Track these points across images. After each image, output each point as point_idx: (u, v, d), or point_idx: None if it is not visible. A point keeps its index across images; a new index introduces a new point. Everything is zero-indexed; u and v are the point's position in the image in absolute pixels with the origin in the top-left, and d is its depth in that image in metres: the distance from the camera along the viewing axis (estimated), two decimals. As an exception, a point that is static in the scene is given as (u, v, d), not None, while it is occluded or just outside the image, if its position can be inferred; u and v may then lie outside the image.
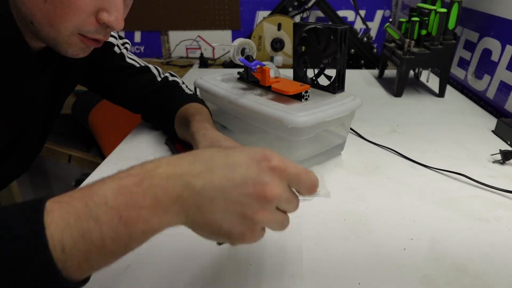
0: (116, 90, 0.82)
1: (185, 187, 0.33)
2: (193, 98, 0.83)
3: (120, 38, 0.81)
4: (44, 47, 0.58)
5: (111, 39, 0.77)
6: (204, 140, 0.66)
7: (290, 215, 0.42)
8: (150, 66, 0.84)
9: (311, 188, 0.38)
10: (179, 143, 0.81)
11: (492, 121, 0.96)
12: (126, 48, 0.81)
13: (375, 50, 1.67)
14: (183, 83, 0.88)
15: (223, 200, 0.33)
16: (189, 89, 0.88)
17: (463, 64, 1.24)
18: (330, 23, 1.66)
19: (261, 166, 0.34)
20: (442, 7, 1.11)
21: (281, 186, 0.35)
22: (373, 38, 1.81)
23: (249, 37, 1.67)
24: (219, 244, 0.47)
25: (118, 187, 0.33)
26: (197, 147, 0.66)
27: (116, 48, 0.78)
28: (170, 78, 0.86)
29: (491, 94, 1.08)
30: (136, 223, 0.32)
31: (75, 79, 0.73)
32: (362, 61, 1.66)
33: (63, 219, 0.31)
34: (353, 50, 1.64)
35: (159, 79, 0.84)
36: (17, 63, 0.54)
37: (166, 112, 0.82)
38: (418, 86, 1.26)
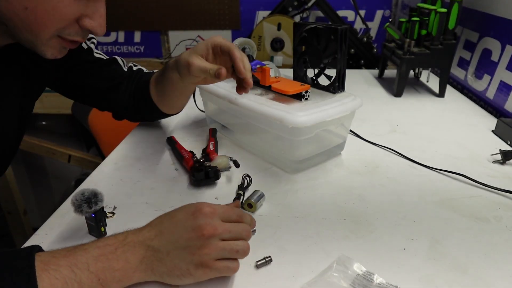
0: (86, 84, 0.79)
1: (146, 249, 0.44)
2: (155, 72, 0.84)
3: None
4: (10, 44, 0.55)
5: None
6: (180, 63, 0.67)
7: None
8: (117, 57, 0.83)
9: (239, 218, 0.48)
10: (179, 143, 0.81)
11: (492, 121, 0.96)
12: (93, 42, 0.79)
13: (375, 50, 1.67)
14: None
15: (175, 249, 0.44)
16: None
17: (463, 64, 1.24)
18: (330, 23, 1.66)
19: (195, 215, 0.45)
20: (442, 7, 1.11)
21: (214, 223, 0.45)
22: (373, 38, 1.81)
23: (249, 37, 1.67)
24: None
25: (98, 254, 0.42)
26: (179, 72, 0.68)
27: (83, 44, 0.76)
28: (134, 68, 0.86)
29: (491, 94, 1.08)
30: (110, 283, 0.42)
31: (45, 77, 0.71)
32: (362, 61, 1.66)
33: (51, 285, 0.39)
34: (353, 50, 1.64)
35: (125, 69, 0.84)
36: None
37: (140, 91, 0.81)
38: (418, 86, 1.26)
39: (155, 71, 0.85)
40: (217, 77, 0.60)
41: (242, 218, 0.49)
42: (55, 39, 0.51)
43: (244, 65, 0.62)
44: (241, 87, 0.64)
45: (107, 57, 0.82)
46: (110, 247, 0.43)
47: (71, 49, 0.66)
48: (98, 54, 0.80)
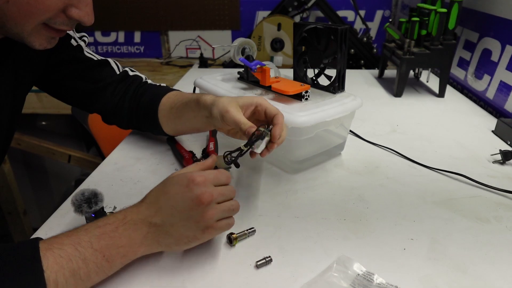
0: (72, 85, 0.75)
1: (149, 225, 0.47)
2: (169, 88, 0.79)
3: (78, 31, 0.76)
4: (1, 38, 0.54)
5: (67, 32, 0.70)
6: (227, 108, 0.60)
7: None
8: (109, 60, 0.79)
9: (227, 179, 0.51)
10: (179, 143, 0.81)
11: (492, 121, 0.96)
12: (84, 41, 0.76)
13: (375, 50, 1.67)
14: (147, 78, 0.83)
15: (180, 221, 0.47)
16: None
17: (463, 64, 1.24)
18: (330, 23, 1.66)
19: (190, 187, 0.47)
20: (442, 7, 1.11)
21: (209, 191, 0.48)
22: (373, 38, 1.81)
23: (249, 37, 1.67)
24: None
25: (100, 233, 0.44)
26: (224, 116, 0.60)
27: (72, 41, 0.73)
28: (131, 73, 0.81)
29: (491, 94, 1.08)
30: (116, 258, 0.45)
31: (35, 72, 0.69)
32: (362, 61, 1.66)
33: (56, 263, 0.40)
34: (353, 50, 1.64)
35: (117, 72, 0.79)
36: None
37: (141, 109, 0.77)
38: (418, 86, 1.26)
39: (162, 85, 0.81)
40: (244, 134, 0.58)
41: (229, 179, 0.52)
42: (41, 28, 0.49)
43: (281, 133, 0.58)
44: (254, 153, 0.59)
45: (99, 58, 0.77)
46: (110, 226, 0.45)
47: (59, 44, 0.62)
48: (89, 54, 0.76)
